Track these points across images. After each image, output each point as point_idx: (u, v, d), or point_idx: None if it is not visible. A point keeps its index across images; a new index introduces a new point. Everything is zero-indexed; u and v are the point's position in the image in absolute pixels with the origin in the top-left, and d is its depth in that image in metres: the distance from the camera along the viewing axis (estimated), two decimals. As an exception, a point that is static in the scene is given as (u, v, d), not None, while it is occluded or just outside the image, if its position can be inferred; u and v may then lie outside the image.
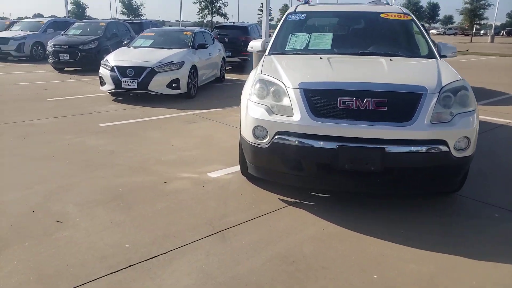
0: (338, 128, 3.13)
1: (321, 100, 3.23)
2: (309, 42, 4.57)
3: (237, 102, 4.06)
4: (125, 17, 59.37)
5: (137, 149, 5.24)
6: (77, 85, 10.62)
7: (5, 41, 16.04)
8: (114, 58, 8.32)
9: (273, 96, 3.44)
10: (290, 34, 4.72)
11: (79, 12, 70.26)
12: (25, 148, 5.25)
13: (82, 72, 13.05)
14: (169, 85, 8.19)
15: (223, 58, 11.45)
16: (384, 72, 3.62)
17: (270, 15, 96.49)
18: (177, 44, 9.43)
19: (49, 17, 23.31)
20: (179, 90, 8.33)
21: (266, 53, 4.60)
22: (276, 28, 5.00)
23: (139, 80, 7.96)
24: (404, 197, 3.81)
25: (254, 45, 4.90)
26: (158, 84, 8.07)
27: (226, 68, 12.08)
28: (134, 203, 3.66)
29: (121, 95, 8.47)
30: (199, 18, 51.46)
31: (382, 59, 3.91)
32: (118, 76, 8.01)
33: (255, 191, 3.95)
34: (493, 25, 54.79)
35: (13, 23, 19.00)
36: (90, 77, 12.05)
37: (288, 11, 5.20)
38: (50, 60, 13.20)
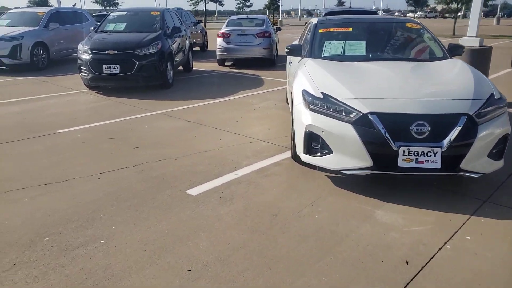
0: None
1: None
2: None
3: None
4: (99, 6, 52.39)
5: None
6: (179, 128, 5.68)
7: (-8, 43, 10.54)
8: (372, 102, 3.52)
9: None
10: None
11: (41, 2, 62.14)
12: None
13: (136, 93, 8.01)
14: (491, 153, 3.46)
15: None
16: None
17: (249, 1, 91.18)
18: (419, 48, 4.70)
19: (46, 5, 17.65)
20: (502, 161, 3.63)
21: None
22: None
23: (444, 149, 3.20)
24: None
25: None
26: (480, 154, 3.36)
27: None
28: None
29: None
30: (190, 5, 45.49)
31: None
32: (389, 140, 3.23)
33: None
34: (499, 6, 51.96)
35: (-6, 16, 13.33)
36: (164, 102, 7.06)
37: None
38: (84, 75, 8.04)
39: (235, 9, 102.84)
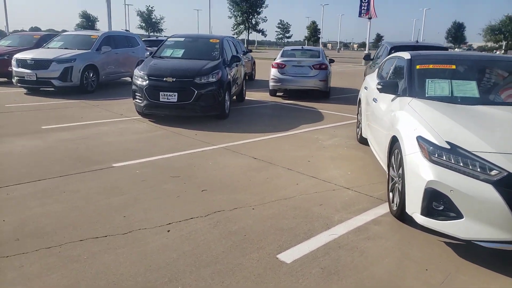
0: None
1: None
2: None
3: None
4: (143, 31, 54.04)
5: None
6: (246, 167, 5.05)
7: (44, 64, 10.46)
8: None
9: None
10: None
11: (88, 25, 65.11)
12: None
13: (191, 123, 7.49)
14: None
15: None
16: None
17: (288, 33, 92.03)
18: None
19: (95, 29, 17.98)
20: None
21: None
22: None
23: None
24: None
25: None
26: None
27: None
28: None
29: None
30: (234, 34, 46.12)
31: None
32: None
33: None
34: None
35: (46, 37, 13.44)
36: (223, 135, 6.45)
37: None
38: (139, 102, 7.60)
39: (274, 40, 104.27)
